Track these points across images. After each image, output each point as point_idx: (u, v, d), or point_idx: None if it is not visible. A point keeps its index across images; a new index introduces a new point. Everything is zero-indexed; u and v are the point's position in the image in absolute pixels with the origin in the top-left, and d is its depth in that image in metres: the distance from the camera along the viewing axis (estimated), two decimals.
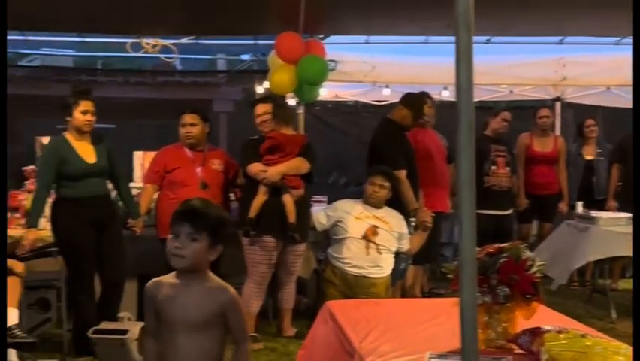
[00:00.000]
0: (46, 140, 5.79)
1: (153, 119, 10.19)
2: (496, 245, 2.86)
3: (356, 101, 9.56)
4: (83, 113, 5.04)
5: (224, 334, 2.53)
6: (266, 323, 5.86)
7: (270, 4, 6.06)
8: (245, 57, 9.05)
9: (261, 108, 5.73)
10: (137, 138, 8.88)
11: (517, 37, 7.53)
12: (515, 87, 8.66)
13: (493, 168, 6.84)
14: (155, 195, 5.70)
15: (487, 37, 7.22)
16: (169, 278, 2.57)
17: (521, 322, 2.79)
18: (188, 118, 5.62)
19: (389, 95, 8.17)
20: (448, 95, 8.06)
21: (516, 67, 7.92)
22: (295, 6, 5.62)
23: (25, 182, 6.22)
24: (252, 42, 7.92)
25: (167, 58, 7.35)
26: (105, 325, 4.79)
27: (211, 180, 5.58)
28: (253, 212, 5.31)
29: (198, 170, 5.57)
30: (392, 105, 6.69)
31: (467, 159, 1.77)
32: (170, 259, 2.47)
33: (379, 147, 5.96)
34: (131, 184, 5.79)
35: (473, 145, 1.77)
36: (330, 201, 6.30)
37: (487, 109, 7.61)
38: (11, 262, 4.60)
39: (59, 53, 8.62)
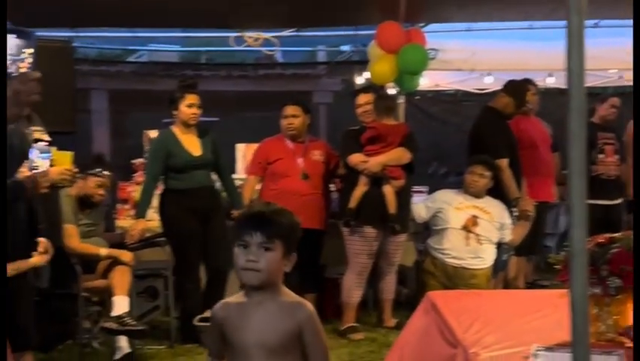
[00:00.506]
0: (153, 133, 5.98)
1: (255, 111, 10.34)
2: (607, 235, 2.76)
3: (457, 90, 9.42)
4: (188, 107, 5.17)
5: (302, 358, 2.20)
6: (366, 314, 5.87)
7: None
8: (345, 48, 9.06)
9: (363, 98, 5.73)
10: (240, 130, 9.01)
11: (628, 20, 7.21)
12: (625, 72, 8.31)
13: (601, 156, 6.61)
14: (258, 187, 5.79)
15: (596, 21, 6.96)
16: (238, 298, 2.27)
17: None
18: (290, 110, 5.67)
19: (491, 82, 8.00)
20: (553, 81, 7.82)
21: (626, 51, 7.58)
22: None
23: (134, 174, 6.42)
24: (352, 33, 7.93)
25: (268, 51, 7.45)
26: (210, 313, 4.88)
27: (312, 170, 5.63)
28: (353, 202, 5.32)
29: (299, 161, 5.63)
30: (494, 93, 6.56)
31: (578, 148, 1.70)
32: (241, 274, 2.16)
33: (480, 136, 5.86)
34: (234, 176, 5.91)
35: (584, 133, 1.71)
36: (430, 192, 6.25)
37: (595, 95, 7.36)
38: (119, 252, 4.77)
39: (165, 49, 8.86)
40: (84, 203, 4.95)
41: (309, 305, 2.21)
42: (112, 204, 6.36)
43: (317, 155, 5.71)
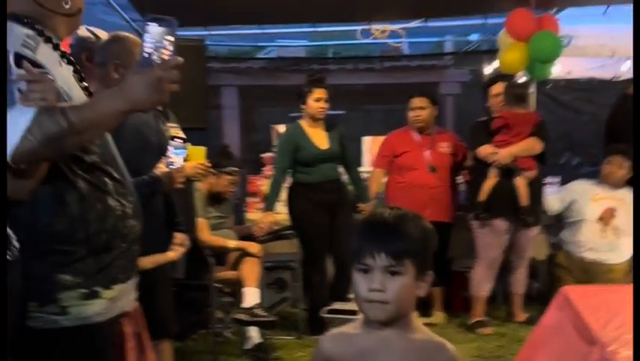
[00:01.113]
0: (281, 128, 6.08)
1: (380, 104, 10.33)
2: None
3: (591, 77, 9.04)
4: (316, 101, 5.22)
5: None
6: (495, 308, 5.75)
7: None
8: (473, 37, 8.88)
9: (497, 88, 5.58)
10: (365, 123, 9.04)
11: None
12: None
13: None
14: (384, 180, 5.78)
15: None
16: (354, 329, 1.81)
17: None
18: (417, 102, 5.62)
19: (629, 69, 7.64)
20: None
21: None
22: None
23: (263, 168, 6.56)
24: (481, 22, 7.76)
25: (395, 43, 7.42)
26: (337, 305, 4.93)
27: (439, 163, 5.55)
28: (484, 195, 5.22)
29: (426, 153, 5.56)
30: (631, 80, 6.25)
31: None
32: (364, 308, 1.71)
33: (618, 125, 5.60)
34: (360, 169, 5.92)
35: None
36: (562, 183, 6.05)
37: None
38: (247, 244, 4.88)
39: (293, 44, 8.99)
40: (214, 198, 5.11)
41: (451, 347, 1.76)
42: (242, 198, 6.53)
43: (444, 147, 5.63)
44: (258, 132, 8.93)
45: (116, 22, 6.60)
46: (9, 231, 1.87)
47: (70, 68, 2.09)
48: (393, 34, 7.16)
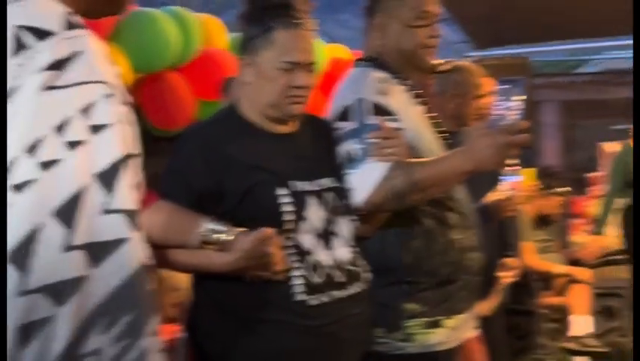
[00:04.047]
0: (609, 146, 5.75)
1: None
2: None
3: None
4: None
5: None
6: None
7: None
8: None
9: None
10: None
11: None
12: None
13: None
14: None
15: None
16: None
17: None
18: None
19: None
20: None
21: None
22: None
23: (588, 188, 6.28)
24: None
25: None
26: None
27: None
28: None
29: None
30: None
31: None
32: None
33: None
34: None
35: None
36: None
37: None
38: (575, 269, 4.71)
39: (618, 56, 8.51)
40: (541, 220, 4.95)
41: None
42: (564, 220, 6.27)
43: None
44: (581, 150, 8.55)
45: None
46: (364, 262, 1.98)
47: (421, 105, 2.16)
48: None
